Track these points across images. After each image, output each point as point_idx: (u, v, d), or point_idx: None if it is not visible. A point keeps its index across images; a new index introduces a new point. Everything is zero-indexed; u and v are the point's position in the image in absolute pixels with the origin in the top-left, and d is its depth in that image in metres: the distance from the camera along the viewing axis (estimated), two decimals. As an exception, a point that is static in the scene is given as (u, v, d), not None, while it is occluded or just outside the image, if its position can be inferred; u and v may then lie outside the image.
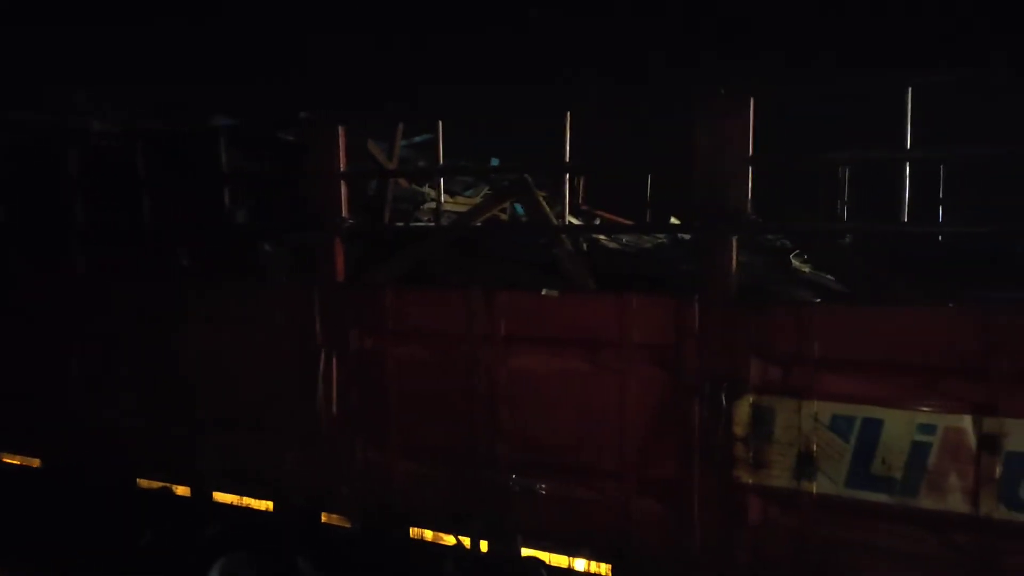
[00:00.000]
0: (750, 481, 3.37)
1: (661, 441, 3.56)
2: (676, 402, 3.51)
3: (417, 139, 5.15)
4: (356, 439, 4.30)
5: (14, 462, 5.47)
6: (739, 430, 3.37)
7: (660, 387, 3.55)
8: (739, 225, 3.37)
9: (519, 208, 4.77)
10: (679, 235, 3.92)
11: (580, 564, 3.77)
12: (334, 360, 4.33)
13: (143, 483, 4.95)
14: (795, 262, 3.45)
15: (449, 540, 4.06)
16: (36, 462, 5.39)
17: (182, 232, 4.97)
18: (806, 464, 3.24)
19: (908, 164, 3.73)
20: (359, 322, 4.26)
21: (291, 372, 4.43)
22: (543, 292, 3.82)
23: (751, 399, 3.34)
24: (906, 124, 3.82)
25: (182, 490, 4.83)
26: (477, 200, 4.85)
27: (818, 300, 3.38)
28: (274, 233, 4.71)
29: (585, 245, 3.99)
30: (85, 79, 5.40)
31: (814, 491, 3.24)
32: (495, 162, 4.67)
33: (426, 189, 4.84)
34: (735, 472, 3.39)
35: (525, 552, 3.87)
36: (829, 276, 3.48)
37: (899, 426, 3.09)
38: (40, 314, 5.36)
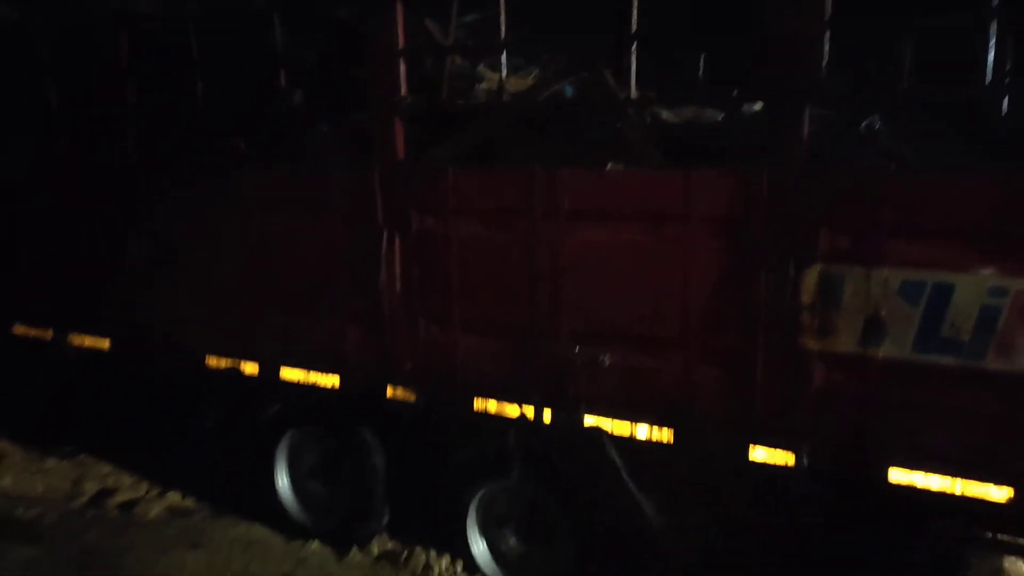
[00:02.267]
0: (815, 348, 3.44)
1: (725, 312, 3.63)
2: (742, 273, 3.56)
3: (467, 19, 5.06)
4: (419, 317, 4.41)
5: (84, 344, 5.67)
6: (806, 299, 3.42)
7: (726, 259, 3.59)
8: (812, 92, 3.33)
9: (568, 89, 4.71)
10: (746, 108, 3.88)
11: (642, 431, 3.91)
12: (396, 240, 4.40)
13: (211, 362, 5.13)
14: (868, 129, 3.42)
15: (512, 411, 4.21)
16: (106, 344, 5.59)
17: (237, 116, 4.98)
18: (874, 330, 3.29)
19: (993, 24, 3.65)
20: (420, 202, 4.31)
21: (353, 253, 4.52)
22: (608, 167, 3.84)
23: (819, 268, 3.38)
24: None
25: (249, 368, 5.00)
26: (531, 80, 4.79)
27: (891, 167, 3.37)
28: (331, 114, 4.71)
29: (649, 120, 3.97)
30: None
31: (880, 356, 3.31)
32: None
33: (480, 69, 4.79)
34: (800, 340, 3.46)
35: (588, 421, 4.02)
36: (903, 143, 3.46)
37: (969, 290, 3.13)
38: (100, 202, 5.47)
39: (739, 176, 3.50)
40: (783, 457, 3.58)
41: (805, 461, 3.53)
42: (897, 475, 3.35)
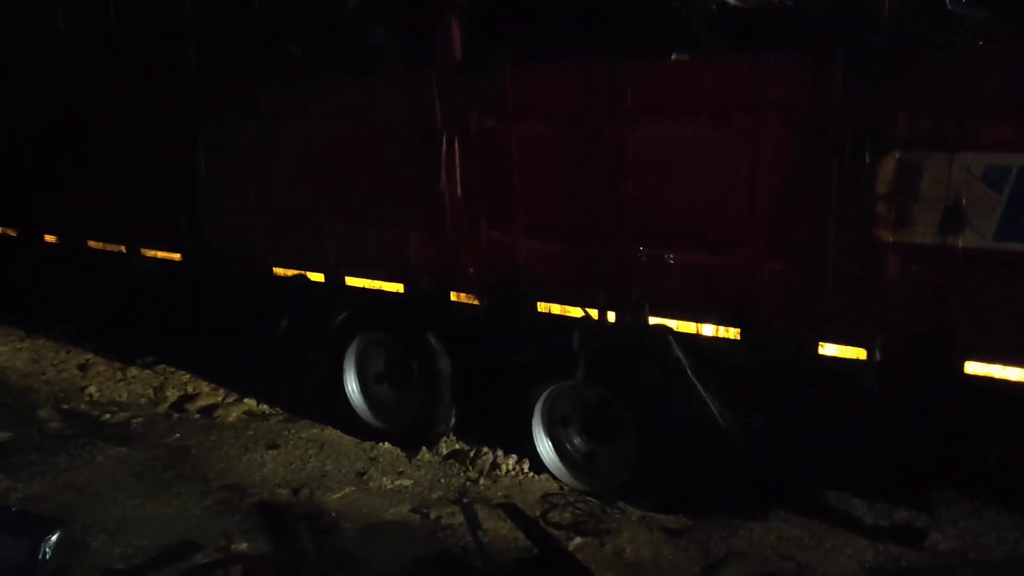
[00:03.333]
0: (891, 239, 3.32)
1: (795, 205, 3.52)
2: (813, 164, 3.43)
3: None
4: (480, 221, 4.41)
5: (156, 256, 5.84)
6: (882, 188, 3.29)
7: (796, 150, 3.47)
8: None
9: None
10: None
11: (708, 330, 3.87)
12: (455, 144, 4.36)
13: (279, 271, 5.24)
14: (953, 3, 3.20)
15: (576, 312, 4.21)
16: (177, 256, 5.75)
17: (294, 23, 4.93)
18: (954, 219, 3.16)
19: None
20: (479, 103, 4.25)
21: (413, 158, 4.50)
22: (673, 57, 3.70)
23: (897, 155, 3.24)
24: None
25: (316, 276, 5.10)
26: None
27: (977, 43, 3.17)
28: (388, 17, 4.63)
29: (715, 6, 3.80)
30: None
31: (960, 246, 3.18)
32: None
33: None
34: (874, 231, 3.34)
35: (652, 320, 4.00)
36: (990, 16, 3.23)
37: (1059, 174, 2.97)
38: (164, 117, 5.54)
39: (811, 61, 3.34)
40: (854, 352, 3.51)
41: (877, 356, 3.45)
42: (974, 367, 3.25)
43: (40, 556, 3.36)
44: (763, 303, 3.69)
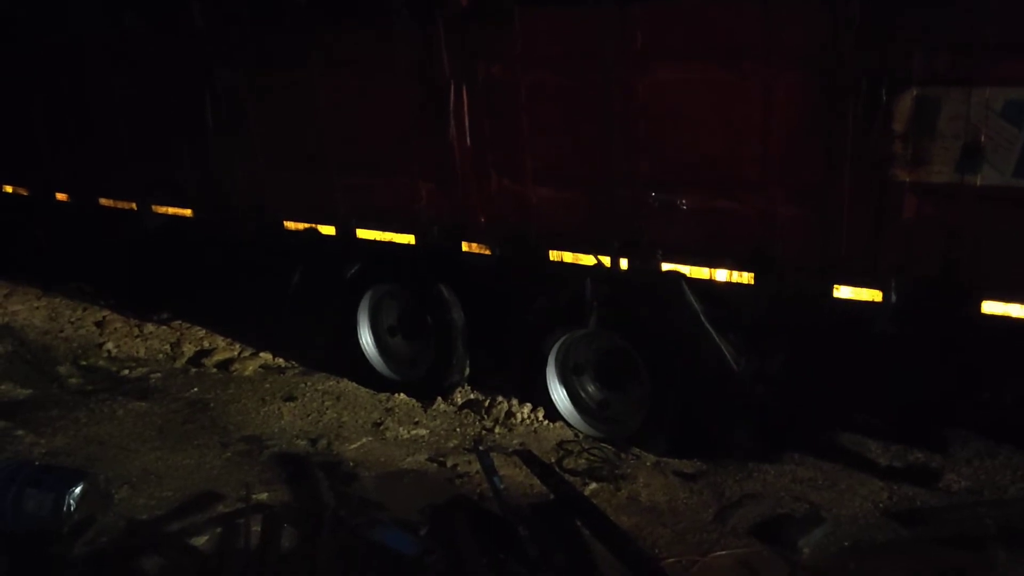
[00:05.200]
0: (906, 179, 3.27)
1: (808, 146, 3.47)
2: (827, 104, 3.37)
3: None
4: (490, 169, 4.37)
5: (167, 212, 5.85)
6: (898, 126, 3.22)
7: (809, 90, 3.40)
8: None
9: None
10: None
11: (721, 275, 3.85)
12: (463, 92, 4.31)
13: (290, 225, 5.24)
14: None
15: (588, 260, 4.19)
16: (188, 212, 5.75)
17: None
18: (972, 156, 3.10)
19: None
20: (486, 50, 4.18)
21: (421, 108, 4.45)
22: (683, -3, 3.62)
23: (914, 92, 3.17)
24: None
25: (327, 229, 5.09)
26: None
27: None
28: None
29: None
30: None
31: (978, 183, 3.13)
32: None
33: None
34: (890, 171, 3.29)
35: (665, 267, 3.98)
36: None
37: (1082, 108, 2.90)
38: (172, 73, 5.49)
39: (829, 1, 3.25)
40: (869, 294, 3.49)
41: (893, 297, 3.42)
42: (991, 306, 3.22)
43: (65, 508, 3.45)
44: (777, 247, 3.66)
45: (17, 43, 6.48)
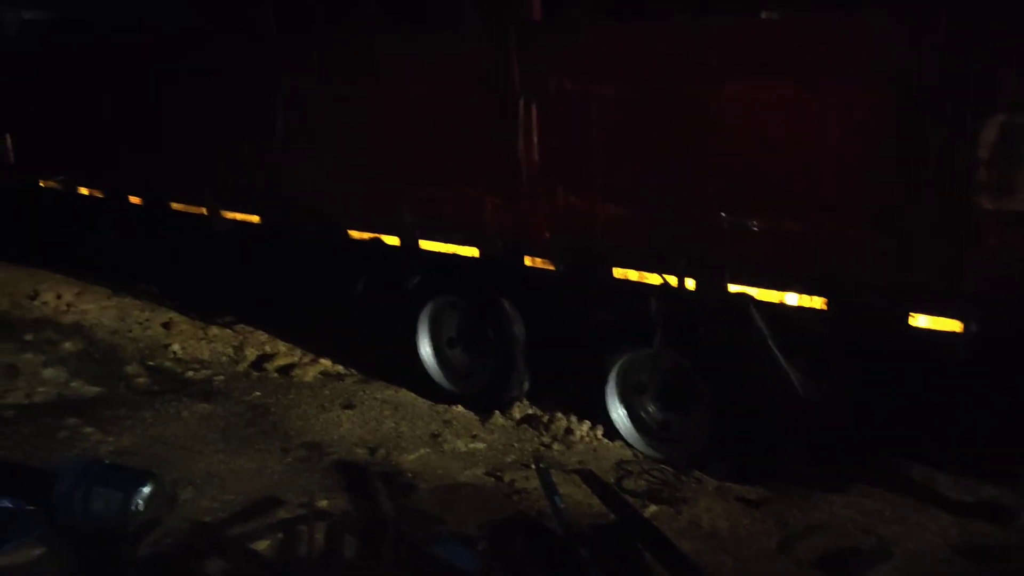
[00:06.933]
0: (991, 207, 3.16)
1: (887, 169, 3.37)
2: (908, 126, 3.27)
3: None
4: (557, 185, 4.36)
5: (236, 217, 5.96)
6: (983, 152, 3.12)
7: (890, 111, 3.31)
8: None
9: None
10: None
11: (792, 299, 3.77)
12: (533, 106, 4.31)
13: (354, 234, 5.29)
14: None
15: (654, 279, 4.14)
16: (255, 218, 5.86)
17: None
18: (1063, 183, 2.99)
19: None
20: (558, 64, 4.17)
21: (489, 120, 4.46)
22: (762, 15, 3.56)
23: (1001, 118, 3.06)
24: None
25: (390, 239, 5.13)
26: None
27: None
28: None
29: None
30: None
31: (1070, 212, 3.01)
32: None
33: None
34: (974, 198, 3.19)
35: (733, 288, 3.90)
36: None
37: None
38: (240, 77, 5.61)
39: (910, 15, 3.17)
40: (947, 323, 3.38)
41: (974, 328, 3.31)
42: (1083, 342, 3.10)
43: (132, 508, 3.51)
44: (851, 271, 3.57)
45: (94, 49, 6.70)
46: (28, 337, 6.20)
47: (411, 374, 5.37)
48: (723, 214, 3.83)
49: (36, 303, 7.03)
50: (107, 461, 4.04)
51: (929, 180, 3.27)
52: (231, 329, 6.49)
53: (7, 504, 3.50)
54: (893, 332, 3.50)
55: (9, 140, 7.66)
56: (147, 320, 6.72)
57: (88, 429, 4.65)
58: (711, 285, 3.96)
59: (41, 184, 7.49)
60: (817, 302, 3.70)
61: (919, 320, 3.42)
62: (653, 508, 3.85)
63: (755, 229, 3.76)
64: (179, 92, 6.06)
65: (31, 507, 3.53)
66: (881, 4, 3.29)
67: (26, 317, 6.72)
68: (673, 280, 4.06)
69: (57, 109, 7.21)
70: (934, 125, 3.20)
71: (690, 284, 4.02)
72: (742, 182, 3.76)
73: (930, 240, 3.33)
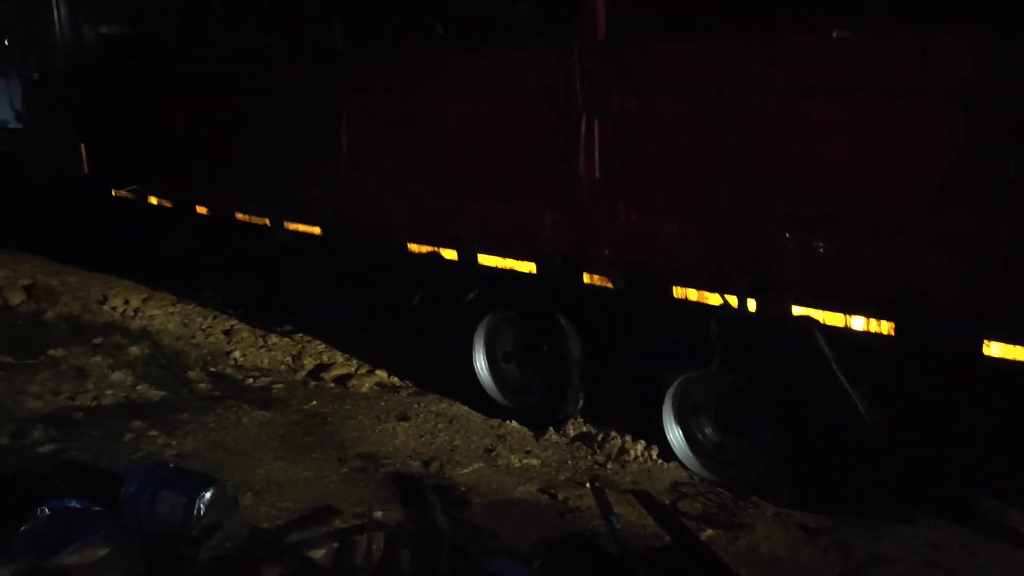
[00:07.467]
0: (1074, 232, 3.06)
1: (963, 191, 3.28)
2: (987, 147, 3.18)
3: None
4: (618, 202, 4.34)
5: (298, 229, 6.08)
6: (1067, 175, 3.02)
7: (967, 131, 3.23)
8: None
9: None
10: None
11: (858, 323, 3.68)
12: (595, 122, 4.30)
13: (413, 247, 5.34)
14: None
15: (715, 299, 4.08)
16: (317, 230, 5.96)
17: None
18: None
19: None
20: (621, 81, 4.16)
21: (551, 137, 4.47)
22: (833, 34, 3.51)
23: (1086, 139, 2.96)
24: None
25: (449, 253, 5.16)
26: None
27: None
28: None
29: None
30: None
31: None
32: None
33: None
34: (1056, 221, 3.09)
35: (797, 310, 3.83)
36: None
37: None
38: (307, 93, 5.73)
39: (990, 36, 3.09)
40: (1022, 353, 3.26)
41: (1051, 357, 3.19)
42: None
43: (195, 512, 3.57)
44: (923, 296, 3.47)
45: (167, 65, 6.92)
46: (97, 341, 6.41)
47: (465, 387, 5.38)
48: (787, 234, 3.77)
49: (105, 308, 7.27)
50: (172, 464, 4.13)
51: (1008, 203, 3.17)
52: (290, 338, 6.61)
53: (75, 504, 3.58)
54: (965, 360, 3.39)
55: (83, 150, 7.94)
56: (210, 327, 6.88)
57: (153, 432, 4.77)
58: (773, 307, 3.89)
59: (113, 193, 7.75)
60: (885, 327, 3.60)
61: (992, 348, 3.31)
62: (710, 532, 3.78)
63: (821, 250, 3.68)
64: (247, 107, 6.22)
65: (98, 508, 3.61)
66: (959, 22, 3.21)
67: (96, 321, 6.94)
68: (734, 301, 4.00)
69: (129, 122, 7.47)
70: (1016, 147, 3.11)
71: (751, 305, 3.96)
72: (808, 202, 3.69)
73: (1009, 266, 3.22)
